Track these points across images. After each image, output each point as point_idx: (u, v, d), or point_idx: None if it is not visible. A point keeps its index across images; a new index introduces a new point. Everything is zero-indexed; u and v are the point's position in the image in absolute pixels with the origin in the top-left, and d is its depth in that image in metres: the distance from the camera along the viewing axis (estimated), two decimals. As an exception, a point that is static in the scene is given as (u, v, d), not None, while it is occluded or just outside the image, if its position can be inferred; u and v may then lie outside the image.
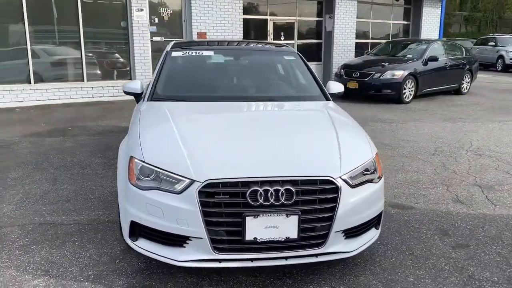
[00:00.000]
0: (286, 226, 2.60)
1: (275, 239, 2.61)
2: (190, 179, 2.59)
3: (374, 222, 3.03)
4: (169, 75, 4.04)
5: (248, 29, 12.16)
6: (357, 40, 14.39)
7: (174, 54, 4.23)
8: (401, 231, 3.67)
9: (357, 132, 3.31)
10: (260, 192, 2.56)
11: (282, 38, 13.07)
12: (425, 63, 11.01)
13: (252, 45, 4.85)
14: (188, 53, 4.24)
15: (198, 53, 4.25)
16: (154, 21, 10.55)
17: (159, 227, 2.66)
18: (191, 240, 2.62)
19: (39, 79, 9.47)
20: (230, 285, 2.84)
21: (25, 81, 9.29)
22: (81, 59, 9.82)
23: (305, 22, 13.63)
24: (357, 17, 14.07)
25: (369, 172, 2.96)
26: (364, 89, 10.57)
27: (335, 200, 2.69)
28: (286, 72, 4.41)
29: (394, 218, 3.94)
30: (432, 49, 11.38)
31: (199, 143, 2.93)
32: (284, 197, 2.58)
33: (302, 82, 4.27)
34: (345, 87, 10.78)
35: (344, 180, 2.74)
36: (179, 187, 2.61)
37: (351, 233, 2.86)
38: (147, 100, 3.78)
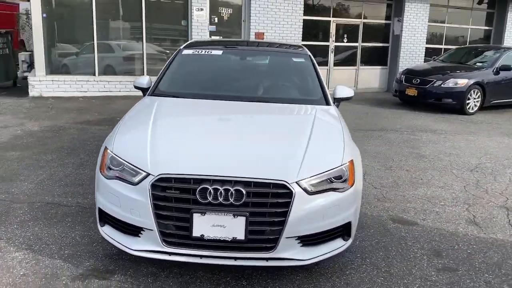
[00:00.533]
0: (233, 226, 2.60)
1: (222, 238, 2.62)
2: (146, 172, 2.69)
3: (339, 232, 2.91)
4: (174, 72, 4.19)
5: (308, 30, 12.05)
6: (428, 45, 13.64)
7: (184, 52, 4.37)
8: (389, 247, 3.47)
9: (334, 139, 3.18)
10: (210, 191, 2.58)
11: (345, 40, 12.79)
12: (496, 72, 10.16)
13: (265, 46, 4.84)
14: (198, 52, 4.35)
15: (207, 52, 4.34)
16: (214, 20, 10.86)
17: (116, 215, 2.80)
18: (144, 231, 2.72)
19: (103, 72, 10.21)
20: (186, 279, 2.89)
21: (90, 73, 10.06)
22: (143, 54, 10.42)
23: (371, 25, 13.20)
24: (429, 21, 13.33)
25: (339, 180, 2.85)
26: (423, 97, 10.00)
27: (287, 205, 2.63)
28: (291, 74, 4.34)
29: (390, 233, 3.73)
30: (507, 57, 10.45)
31: (167, 139, 3.01)
32: (233, 197, 2.59)
33: (305, 85, 4.18)
34: (404, 94, 10.46)
35: (301, 186, 2.67)
36: (136, 179, 2.72)
37: (309, 240, 2.78)
38: (148, 95, 3.96)
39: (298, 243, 2.74)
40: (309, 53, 4.47)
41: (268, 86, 4.14)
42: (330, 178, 2.82)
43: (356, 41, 12.98)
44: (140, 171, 2.71)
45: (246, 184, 2.62)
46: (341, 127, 3.39)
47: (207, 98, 3.81)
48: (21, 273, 2.88)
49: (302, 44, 11.59)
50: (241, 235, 2.61)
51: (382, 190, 4.77)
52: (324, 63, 12.62)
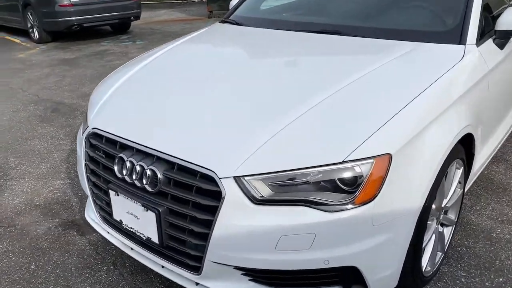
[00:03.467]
0: (145, 222, 1.78)
1: (138, 233, 1.82)
2: (88, 124, 2.09)
3: (331, 279, 1.62)
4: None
5: None
6: None
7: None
8: None
9: (372, 111, 1.67)
10: (126, 163, 1.78)
11: None
12: None
13: None
14: None
15: None
16: None
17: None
18: None
19: None
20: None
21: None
22: None
23: None
24: None
25: (349, 188, 1.53)
26: None
27: (214, 211, 1.57)
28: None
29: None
30: None
31: (134, 85, 2.27)
32: (149, 179, 1.71)
33: (441, 9, 2.41)
34: None
35: (241, 186, 1.53)
36: (85, 128, 2.15)
37: (266, 278, 1.64)
38: (219, 22, 3.12)
39: (244, 275, 1.65)
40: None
41: (378, 10, 2.59)
42: (325, 180, 1.52)
43: None
44: (88, 120, 2.12)
45: (170, 164, 1.68)
46: (423, 89, 1.79)
47: (282, 27, 2.69)
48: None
49: None
50: (154, 237, 1.76)
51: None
52: None
